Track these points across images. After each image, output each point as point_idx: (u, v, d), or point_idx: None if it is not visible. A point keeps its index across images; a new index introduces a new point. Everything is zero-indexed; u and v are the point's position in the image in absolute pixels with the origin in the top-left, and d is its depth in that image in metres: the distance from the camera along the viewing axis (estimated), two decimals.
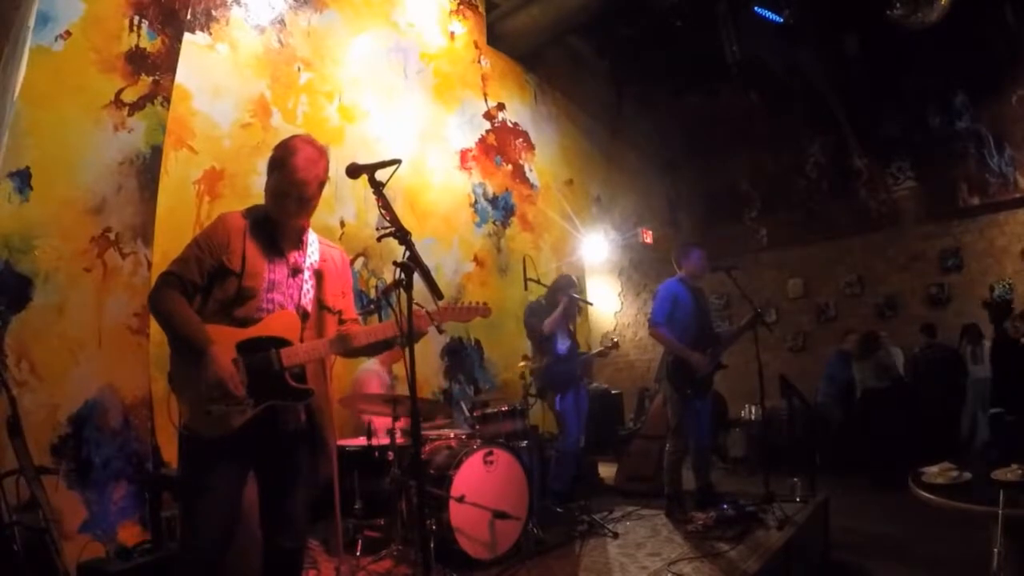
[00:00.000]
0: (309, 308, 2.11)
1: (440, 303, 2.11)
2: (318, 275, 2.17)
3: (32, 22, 3.01)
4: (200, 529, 1.90)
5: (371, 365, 4.05)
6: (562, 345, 4.44)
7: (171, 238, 3.63)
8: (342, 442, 3.56)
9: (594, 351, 5.10)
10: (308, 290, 2.12)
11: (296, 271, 2.11)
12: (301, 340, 2.07)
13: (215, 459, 1.91)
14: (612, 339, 4.90)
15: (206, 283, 2.01)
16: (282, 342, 2.02)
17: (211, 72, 3.99)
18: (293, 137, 2.15)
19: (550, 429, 4.97)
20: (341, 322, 2.22)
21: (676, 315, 4.16)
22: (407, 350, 1.93)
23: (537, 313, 4.48)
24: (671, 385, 4.15)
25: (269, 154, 2.13)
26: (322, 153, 2.14)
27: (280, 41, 4.45)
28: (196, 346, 1.90)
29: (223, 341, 1.94)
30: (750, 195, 9.08)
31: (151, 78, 3.44)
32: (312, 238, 2.21)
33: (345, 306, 2.26)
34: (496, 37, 6.44)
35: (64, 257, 3.06)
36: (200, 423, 1.91)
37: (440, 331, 2.24)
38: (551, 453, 4.50)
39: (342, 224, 4.71)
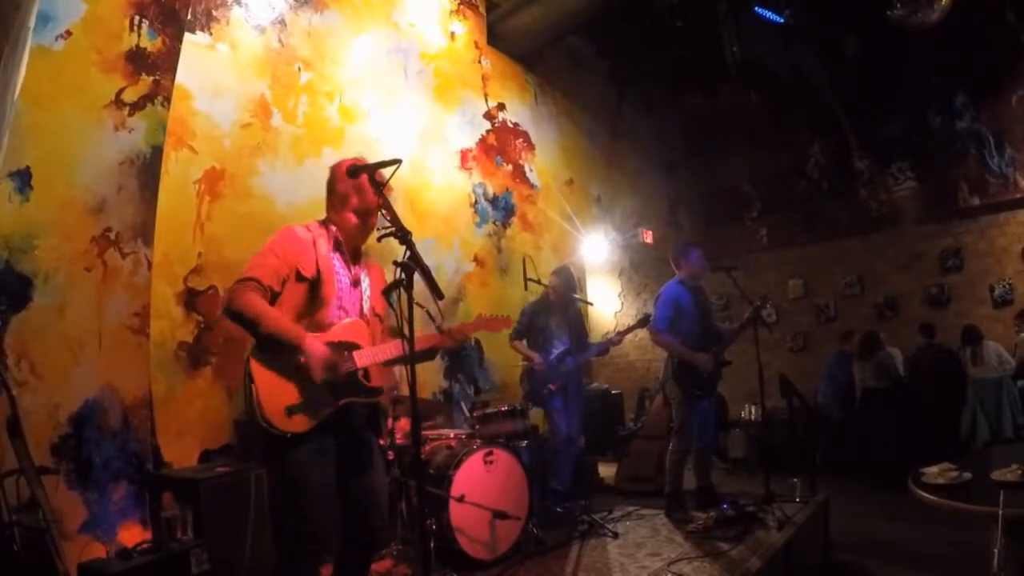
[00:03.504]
0: (369, 316, 2.26)
1: (448, 325, 2.33)
2: (371, 284, 2.32)
3: (32, 22, 3.01)
4: (308, 515, 2.00)
5: None
6: (554, 350, 4.42)
7: (171, 238, 3.64)
8: None
9: (616, 333, 4.84)
10: (367, 298, 2.27)
11: (356, 283, 2.26)
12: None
13: (302, 452, 2.01)
14: (617, 335, 4.74)
15: (279, 292, 2.11)
16: (354, 346, 2.15)
17: (211, 72, 3.99)
18: (351, 161, 2.25)
19: (548, 428, 4.97)
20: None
21: (679, 319, 4.15)
22: (407, 351, 1.93)
23: (535, 314, 4.49)
24: (677, 385, 4.14)
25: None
26: (384, 181, 2.28)
27: (280, 41, 4.45)
28: (292, 339, 2.01)
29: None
30: (750, 195, 9.08)
31: (151, 78, 3.44)
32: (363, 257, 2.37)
33: (385, 313, 2.38)
34: (496, 37, 6.43)
35: (64, 257, 3.06)
36: (284, 420, 1.99)
37: (441, 331, 2.26)
38: (549, 453, 4.50)
39: None
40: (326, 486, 2.05)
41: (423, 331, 2.17)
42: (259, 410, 1.98)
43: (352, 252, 2.28)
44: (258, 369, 2.03)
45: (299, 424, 2.00)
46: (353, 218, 2.22)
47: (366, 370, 2.18)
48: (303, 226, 2.24)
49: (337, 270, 2.20)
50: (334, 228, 2.25)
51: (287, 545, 2.02)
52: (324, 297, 2.13)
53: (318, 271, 2.13)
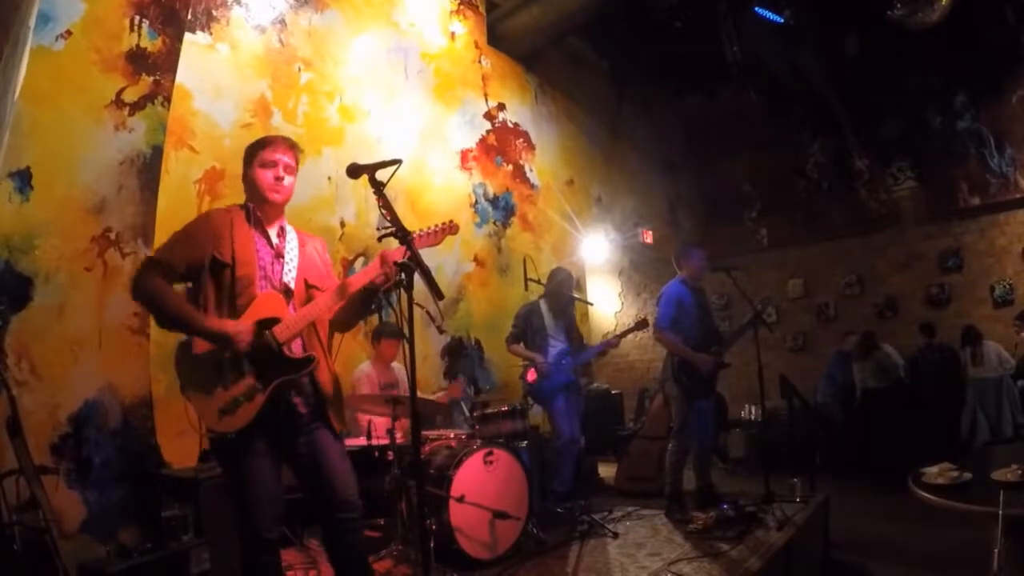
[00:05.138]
0: (292, 285, 2.17)
1: (415, 233, 2.14)
2: (300, 256, 2.24)
3: (32, 22, 3.02)
4: (256, 516, 2.00)
5: (365, 368, 4.05)
6: (552, 349, 4.41)
7: None
8: None
9: (608, 339, 4.80)
10: (290, 269, 2.18)
11: (279, 255, 2.19)
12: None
13: (247, 451, 2.00)
14: (615, 337, 4.76)
15: (185, 275, 2.10)
16: (271, 321, 2.06)
17: (212, 72, 3.99)
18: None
19: (550, 429, 4.96)
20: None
21: (681, 318, 4.16)
22: (407, 350, 1.92)
23: (530, 316, 4.47)
24: (676, 385, 4.14)
25: None
26: (295, 144, 2.26)
27: (281, 41, 4.45)
28: (193, 324, 2.01)
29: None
30: (750, 195, 9.08)
31: (152, 78, 3.45)
32: (290, 228, 2.28)
33: (333, 284, 2.28)
34: (497, 37, 6.44)
35: (64, 257, 3.06)
36: (217, 422, 1.98)
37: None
38: (550, 454, 4.49)
39: (342, 224, 4.71)
40: (272, 483, 2.03)
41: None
42: (199, 418, 1.99)
43: (271, 218, 2.21)
44: (185, 377, 2.05)
45: (234, 422, 1.97)
46: (253, 180, 2.17)
47: (302, 344, 2.12)
48: (222, 209, 2.22)
49: (257, 247, 2.15)
50: (251, 206, 2.20)
51: (241, 546, 2.03)
52: (247, 278, 2.08)
53: (234, 254, 2.08)
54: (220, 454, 2.11)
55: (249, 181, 2.21)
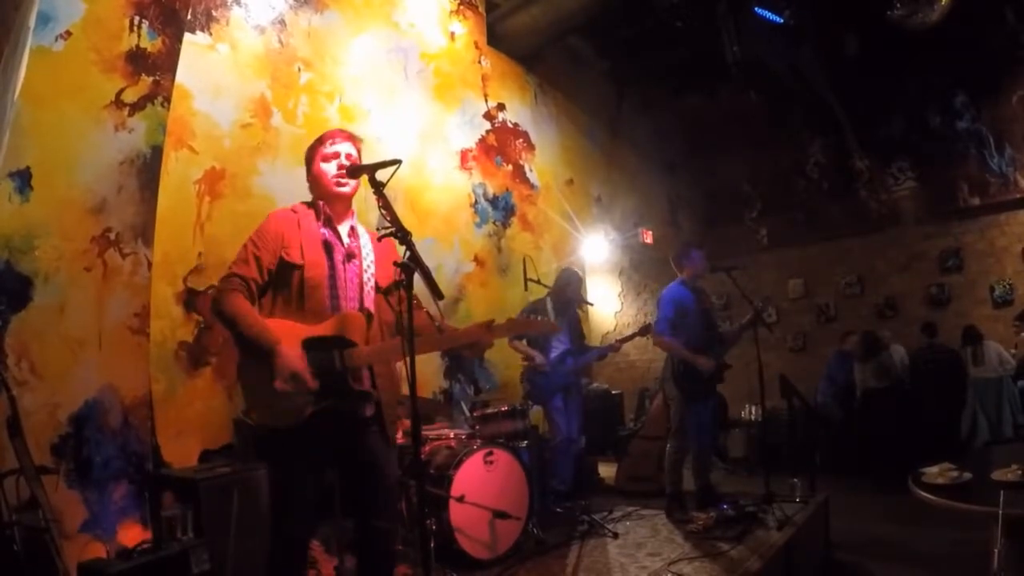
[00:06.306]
0: (372, 308, 2.16)
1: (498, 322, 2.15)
2: (375, 257, 2.22)
3: (32, 22, 3.01)
4: (289, 515, 1.99)
5: None
6: (555, 350, 4.41)
7: (171, 238, 3.64)
8: None
9: (608, 344, 4.90)
10: (368, 279, 2.17)
11: (350, 256, 2.17)
12: (367, 342, 2.10)
13: (291, 448, 1.98)
14: (618, 341, 4.81)
15: (268, 280, 2.07)
16: (346, 342, 2.05)
17: (211, 72, 3.99)
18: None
19: (548, 428, 4.97)
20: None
21: (682, 320, 4.15)
22: (406, 351, 1.92)
23: (535, 314, 4.47)
24: (676, 387, 4.14)
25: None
26: (354, 134, 2.27)
27: (280, 41, 4.45)
28: (264, 345, 1.97)
29: (289, 337, 1.99)
30: (750, 195, 9.08)
31: (151, 78, 3.44)
32: (360, 228, 2.28)
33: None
34: (496, 37, 6.43)
35: (64, 257, 3.05)
36: (270, 416, 1.98)
37: (441, 331, 2.25)
38: (550, 453, 4.50)
39: None
40: (311, 484, 2.02)
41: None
42: (249, 409, 2.00)
43: (340, 215, 2.20)
44: (247, 367, 2.03)
45: (288, 418, 1.96)
46: (318, 175, 2.17)
47: (362, 371, 2.09)
48: (288, 208, 2.20)
49: (327, 247, 2.13)
50: (321, 203, 2.20)
51: (271, 545, 2.02)
52: (315, 280, 2.07)
53: (303, 255, 2.08)
54: (268, 449, 2.08)
55: (313, 179, 2.21)
